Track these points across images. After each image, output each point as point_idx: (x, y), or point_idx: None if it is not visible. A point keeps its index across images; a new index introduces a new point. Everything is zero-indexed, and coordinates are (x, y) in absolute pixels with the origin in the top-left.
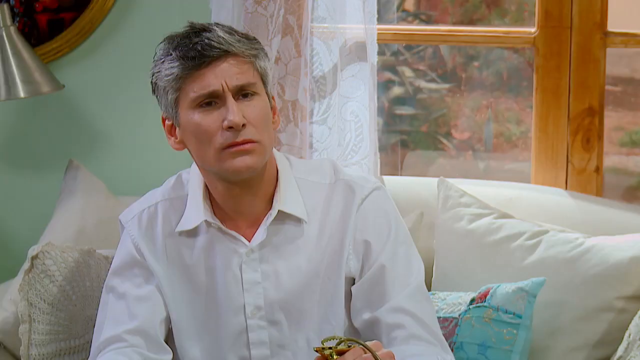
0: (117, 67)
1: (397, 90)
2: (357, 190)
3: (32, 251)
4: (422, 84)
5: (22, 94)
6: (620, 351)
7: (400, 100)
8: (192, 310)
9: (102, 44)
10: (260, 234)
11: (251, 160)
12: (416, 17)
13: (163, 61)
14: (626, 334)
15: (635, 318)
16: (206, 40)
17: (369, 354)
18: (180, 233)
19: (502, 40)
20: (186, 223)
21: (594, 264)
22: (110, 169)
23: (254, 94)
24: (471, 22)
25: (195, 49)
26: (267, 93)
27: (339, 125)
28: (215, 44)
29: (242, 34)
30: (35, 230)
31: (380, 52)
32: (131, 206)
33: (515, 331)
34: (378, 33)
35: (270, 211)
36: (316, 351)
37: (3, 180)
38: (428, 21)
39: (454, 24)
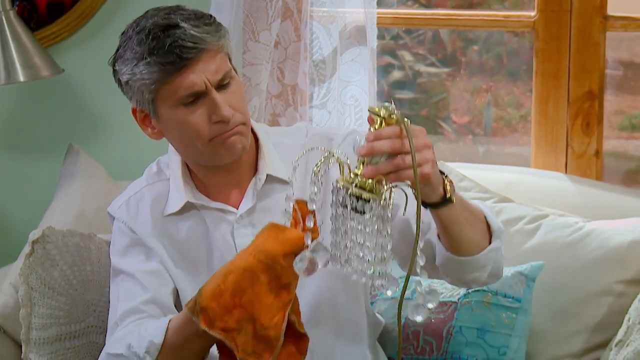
0: None
1: (396, 74)
2: (334, 137)
3: (33, 235)
4: (422, 68)
5: (21, 78)
6: (619, 335)
7: (399, 84)
8: (194, 284)
9: (101, 28)
10: (248, 200)
11: (242, 141)
12: (416, 0)
13: (137, 64)
14: (626, 318)
15: (635, 302)
16: (180, 41)
17: (405, 139)
18: (170, 215)
19: (502, 24)
20: (171, 206)
21: (593, 248)
22: (110, 153)
23: (230, 79)
24: (471, 6)
25: (172, 52)
26: (234, 68)
27: (339, 110)
28: (190, 44)
29: (206, 20)
30: (35, 215)
31: (380, 36)
32: (116, 198)
33: (514, 315)
34: (377, 17)
35: (258, 176)
36: (369, 111)
37: (3, 164)
38: (428, 5)
39: (454, 7)
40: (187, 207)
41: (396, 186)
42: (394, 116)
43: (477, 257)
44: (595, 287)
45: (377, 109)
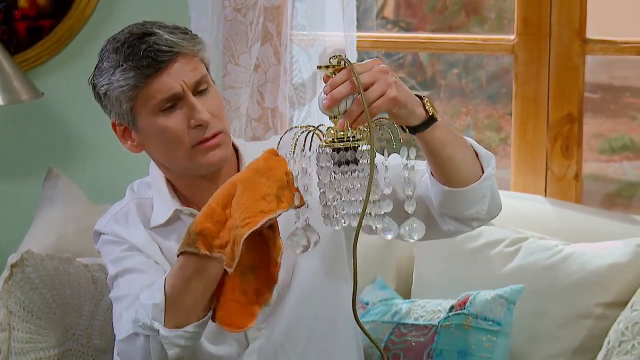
0: None
1: None
2: None
3: (12, 259)
4: None
5: (1, 102)
6: (599, 358)
7: None
8: None
9: (81, 52)
10: None
11: (222, 153)
12: (395, 24)
13: (113, 72)
14: (605, 341)
15: (615, 325)
16: (155, 46)
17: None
18: (157, 227)
19: (481, 48)
20: (158, 218)
21: (573, 270)
22: (90, 177)
23: (208, 86)
24: (450, 30)
25: (147, 56)
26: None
27: None
28: (165, 48)
29: (181, 30)
30: (14, 239)
31: (360, 60)
32: (102, 217)
33: (494, 338)
34: (357, 40)
35: None
36: (318, 68)
37: None
38: (407, 28)
39: (433, 31)
40: (172, 220)
41: (377, 125)
42: (342, 62)
43: (474, 186)
44: (575, 310)
45: (328, 64)
